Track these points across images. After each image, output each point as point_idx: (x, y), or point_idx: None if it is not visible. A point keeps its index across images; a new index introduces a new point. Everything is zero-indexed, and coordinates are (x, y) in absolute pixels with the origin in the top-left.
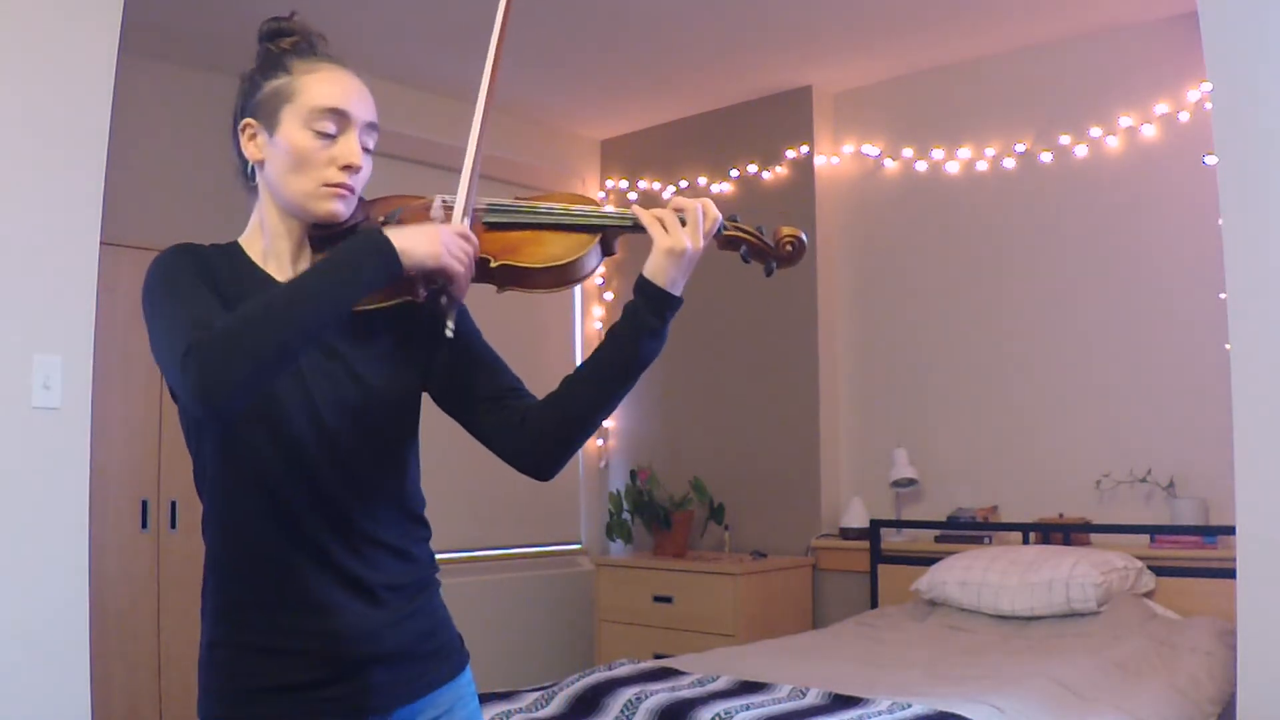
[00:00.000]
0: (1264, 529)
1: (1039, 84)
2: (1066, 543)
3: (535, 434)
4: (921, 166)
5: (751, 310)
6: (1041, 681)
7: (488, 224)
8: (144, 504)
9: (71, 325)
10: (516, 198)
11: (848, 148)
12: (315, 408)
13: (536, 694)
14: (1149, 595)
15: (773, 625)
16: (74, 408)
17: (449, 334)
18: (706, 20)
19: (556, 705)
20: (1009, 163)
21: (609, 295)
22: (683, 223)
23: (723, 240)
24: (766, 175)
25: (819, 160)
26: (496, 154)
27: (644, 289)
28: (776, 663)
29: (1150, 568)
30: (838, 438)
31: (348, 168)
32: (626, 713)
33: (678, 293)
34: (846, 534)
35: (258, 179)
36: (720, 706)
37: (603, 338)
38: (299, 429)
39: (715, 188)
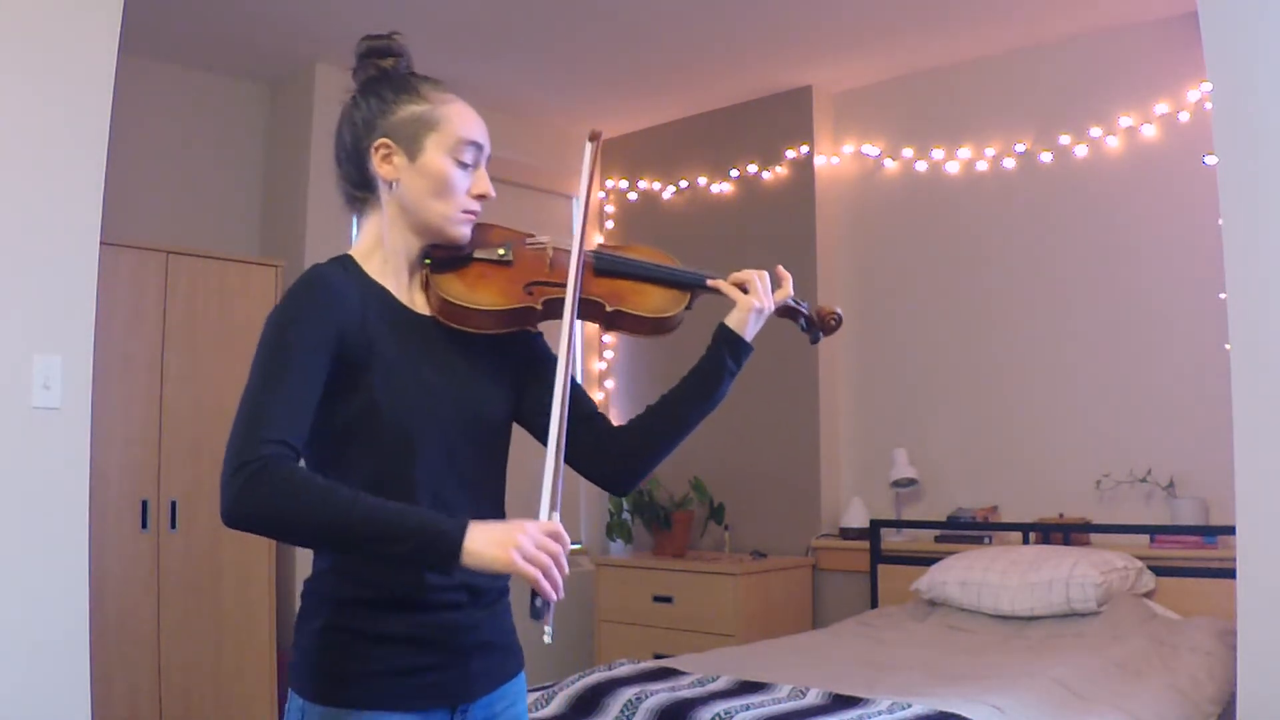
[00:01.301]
0: (1264, 529)
1: (1039, 84)
2: (1066, 543)
3: (619, 455)
4: (921, 166)
5: None
6: (1041, 681)
7: (597, 270)
8: (144, 504)
9: (71, 325)
10: (602, 245)
11: (848, 148)
12: (444, 427)
13: (536, 694)
14: (1149, 595)
15: (773, 625)
16: (74, 408)
17: (546, 640)
18: (706, 20)
19: (556, 705)
20: (1009, 163)
21: None
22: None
23: (784, 310)
24: (766, 175)
25: (819, 160)
26: (496, 153)
27: (727, 337)
28: (776, 663)
29: (1150, 568)
30: (838, 438)
31: (482, 197)
32: (626, 713)
33: (750, 341)
34: (846, 534)
35: (385, 196)
36: (720, 706)
37: (686, 376)
38: (429, 446)
39: (715, 188)
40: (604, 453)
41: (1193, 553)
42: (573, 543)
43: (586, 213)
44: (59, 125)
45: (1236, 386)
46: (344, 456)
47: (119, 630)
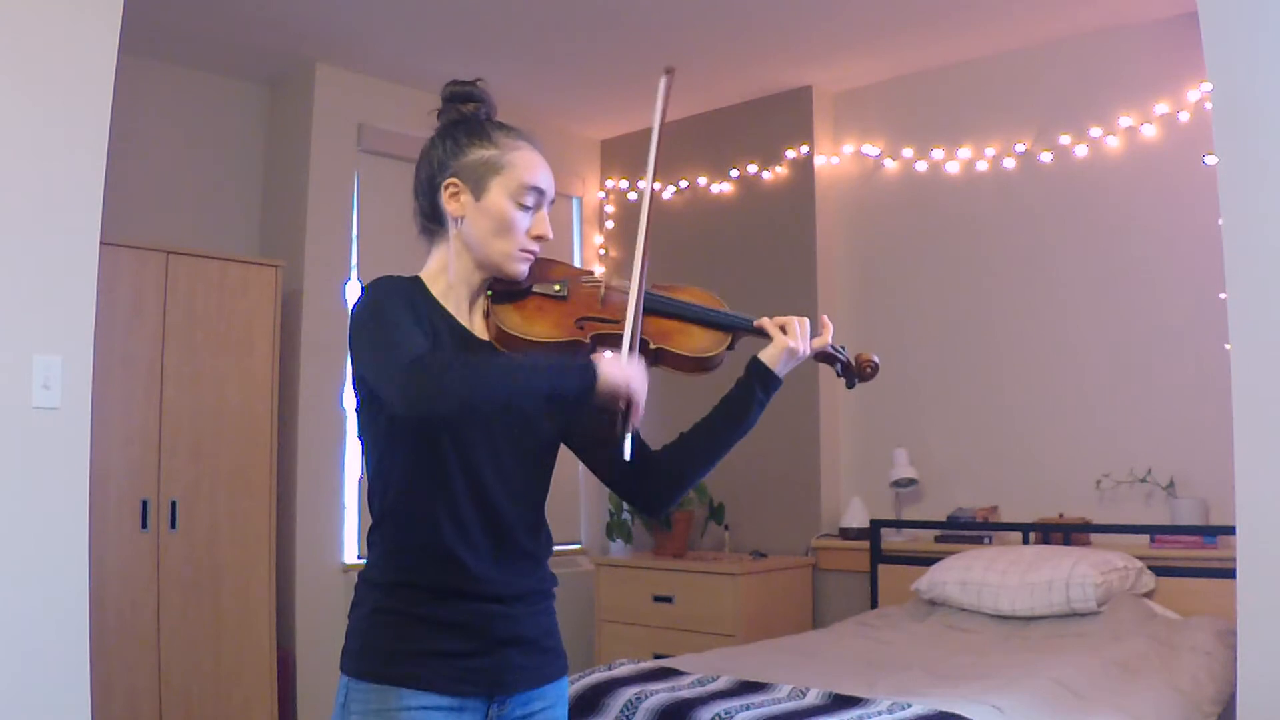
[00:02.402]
0: (1264, 529)
1: (1039, 84)
2: (1066, 543)
3: (654, 479)
4: (921, 166)
5: (751, 311)
6: (1041, 681)
7: (645, 309)
8: (144, 504)
9: (71, 325)
10: (654, 286)
11: (848, 148)
12: (496, 443)
13: None
14: (1149, 595)
15: (773, 625)
16: (74, 408)
17: (626, 456)
18: (706, 20)
19: None
20: (1009, 163)
21: None
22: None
23: (822, 355)
24: (766, 175)
25: (819, 160)
26: None
27: (758, 370)
28: (776, 663)
29: (1150, 568)
30: (838, 438)
31: (540, 238)
32: (626, 713)
33: (781, 377)
34: (846, 534)
35: (452, 231)
36: (720, 706)
37: (718, 404)
38: (479, 458)
39: (715, 188)
40: (641, 476)
41: (1193, 553)
42: (572, 543)
43: (659, 147)
44: (59, 125)
45: (1236, 386)
46: (393, 448)
47: (119, 630)
